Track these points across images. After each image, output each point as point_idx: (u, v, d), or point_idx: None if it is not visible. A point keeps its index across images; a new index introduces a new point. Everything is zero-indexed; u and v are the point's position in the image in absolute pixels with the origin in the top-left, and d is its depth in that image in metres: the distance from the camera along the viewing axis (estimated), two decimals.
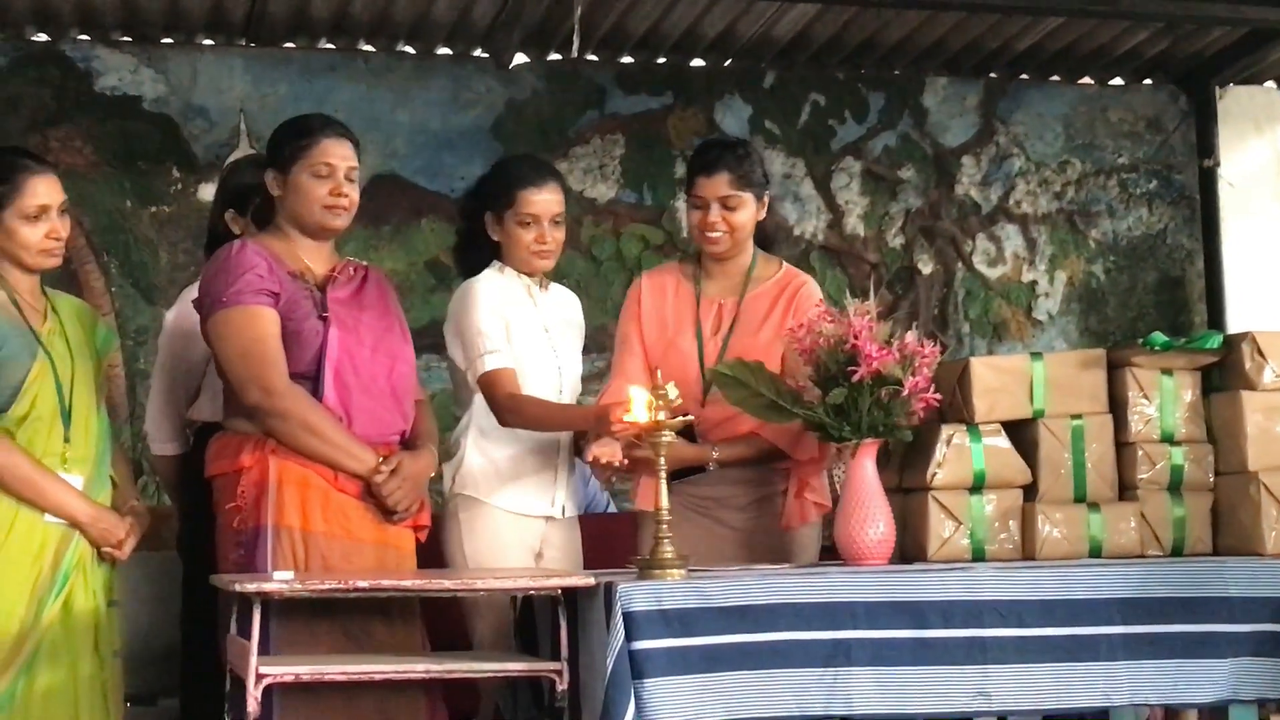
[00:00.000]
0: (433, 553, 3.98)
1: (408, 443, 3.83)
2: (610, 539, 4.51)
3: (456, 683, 3.65)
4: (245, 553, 3.62)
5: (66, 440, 3.72)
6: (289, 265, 3.75)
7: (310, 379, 3.68)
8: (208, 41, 6.42)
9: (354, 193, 3.82)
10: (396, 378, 3.81)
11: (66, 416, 3.72)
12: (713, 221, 4.12)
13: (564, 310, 4.24)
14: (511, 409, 3.98)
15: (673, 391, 3.45)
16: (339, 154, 3.78)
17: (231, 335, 3.66)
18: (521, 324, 4.06)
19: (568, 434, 4.09)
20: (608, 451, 3.78)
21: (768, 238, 4.29)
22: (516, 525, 4.02)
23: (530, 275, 4.15)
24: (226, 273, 3.68)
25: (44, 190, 3.75)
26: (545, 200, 4.10)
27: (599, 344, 5.48)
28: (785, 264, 4.29)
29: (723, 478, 4.07)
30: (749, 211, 4.15)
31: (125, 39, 6.33)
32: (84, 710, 3.68)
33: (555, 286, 4.26)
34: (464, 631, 3.99)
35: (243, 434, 3.70)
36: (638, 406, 3.46)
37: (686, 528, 3.85)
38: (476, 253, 4.17)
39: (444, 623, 3.86)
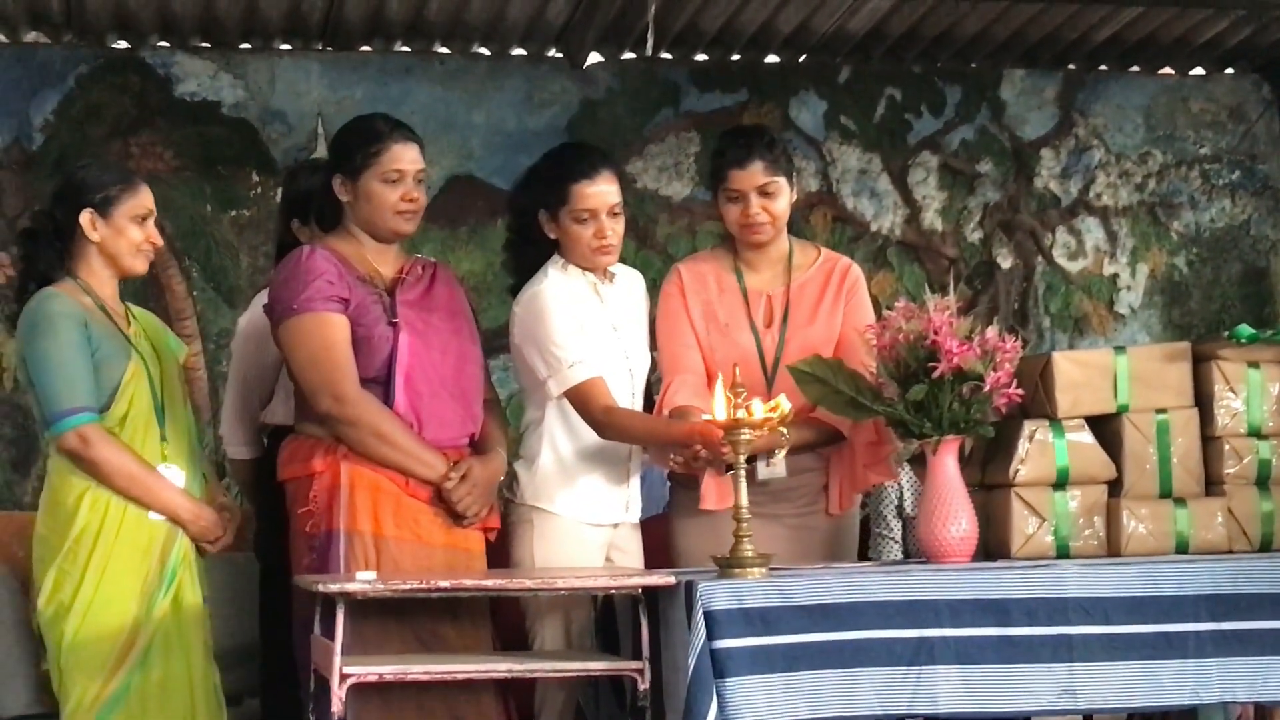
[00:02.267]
0: (500, 553, 3.98)
1: (477, 445, 3.84)
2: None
3: (518, 688, 3.66)
4: (318, 556, 3.65)
5: (163, 438, 3.79)
6: (358, 269, 3.77)
7: (381, 384, 3.70)
8: (285, 46, 6.47)
9: (423, 195, 3.85)
10: (465, 379, 3.83)
11: (161, 414, 3.80)
12: (754, 213, 4.02)
13: (630, 299, 4.12)
14: (608, 423, 3.88)
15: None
16: (409, 158, 3.80)
17: (303, 342, 3.69)
18: (591, 326, 3.96)
19: None
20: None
21: (790, 221, 4.16)
22: (589, 534, 3.97)
23: (594, 271, 4.03)
24: (296, 279, 3.70)
25: (148, 198, 3.88)
26: (600, 192, 3.95)
27: None
28: (822, 248, 4.26)
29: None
30: (786, 197, 4.06)
31: (204, 45, 6.39)
32: (200, 703, 3.77)
33: (619, 271, 4.11)
34: (519, 635, 3.93)
35: (314, 438, 3.73)
36: (719, 407, 3.45)
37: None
38: (531, 252, 4.04)
39: (498, 627, 3.84)
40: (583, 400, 3.89)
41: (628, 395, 4.01)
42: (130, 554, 3.72)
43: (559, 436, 3.97)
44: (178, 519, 3.77)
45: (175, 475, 3.79)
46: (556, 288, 3.96)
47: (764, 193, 4.02)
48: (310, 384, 3.69)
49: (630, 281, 4.16)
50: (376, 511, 3.67)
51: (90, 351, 3.72)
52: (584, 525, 3.96)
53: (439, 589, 3.36)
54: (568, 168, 3.98)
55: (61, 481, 3.73)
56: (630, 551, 4.05)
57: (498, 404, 4.03)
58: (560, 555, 3.92)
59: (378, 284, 3.79)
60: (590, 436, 3.95)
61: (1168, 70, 7.25)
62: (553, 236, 4.02)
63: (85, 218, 3.82)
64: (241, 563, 4.43)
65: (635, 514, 4.06)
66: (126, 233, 3.83)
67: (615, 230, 3.99)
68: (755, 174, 4.01)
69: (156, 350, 3.89)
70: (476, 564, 3.79)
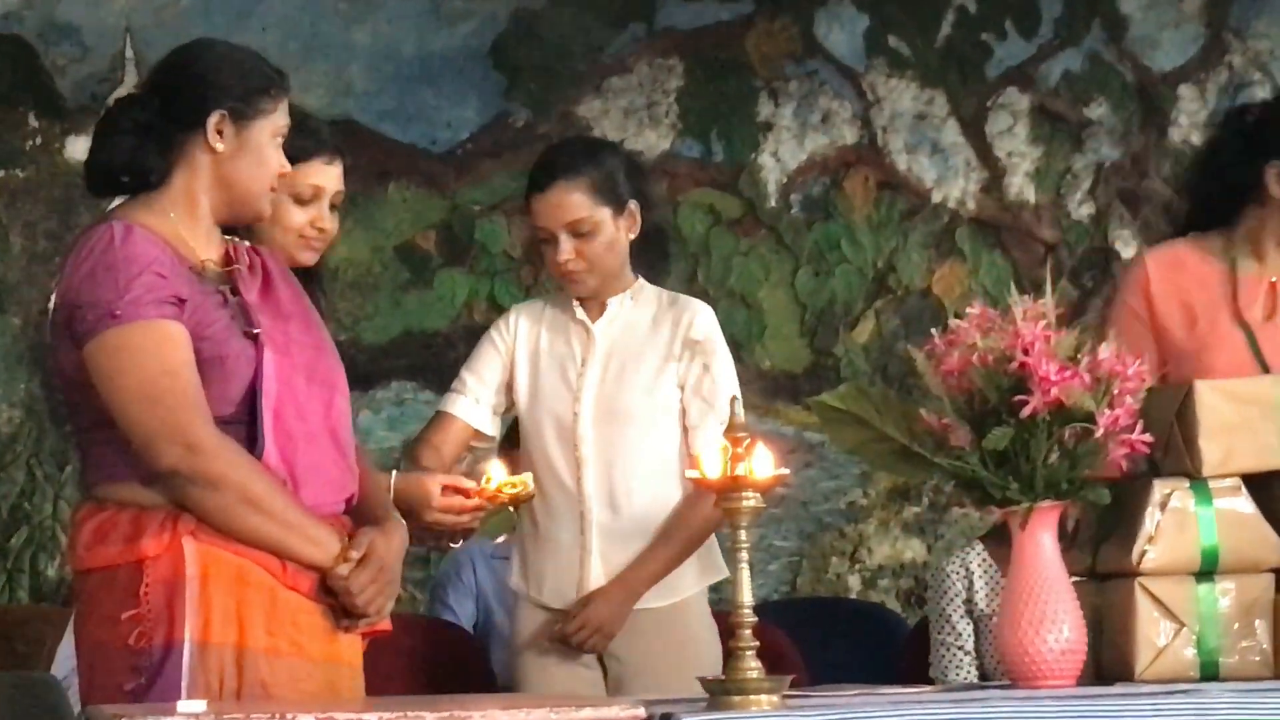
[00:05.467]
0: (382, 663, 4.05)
1: (359, 510, 3.84)
2: None
3: None
4: (146, 681, 3.62)
5: None
6: (185, 257, 3.75)
7: (240, 425, 3.69)
8: None
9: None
10: (336, 416, 3.81)
11: None
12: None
13: (635, 332, 4.54)
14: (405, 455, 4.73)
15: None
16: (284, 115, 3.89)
17: (132, 365, 3.64)
18: (547, 356, 4.55)
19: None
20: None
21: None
22: (545, 619, 4.52)
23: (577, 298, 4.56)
24: (113, 271, 3.65)
25: None
26: (550, 207, 4.48)
27: None
28: None
29: None
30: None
31: None
32: None
33: (645, 300, 4.57)
34: None
35: (137, 507, 3.69)
36: (709, 462, 3.47)
37: None
38: None
39: None
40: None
41: (564, 428, 4.50)
42: None
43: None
44: None
45: None
46: (507, 317, 4.65)
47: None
48: (146, 427, 3.64)
49: (646, 315, 4.56)
50: (241, 613, 3.65)
51: None
52: (535, 608, 4.55)
53: None
54: (530, 177, 4.59)
55: None
56: (634, 653, 4.49)
57: (366, 453, 4.05)
58: (527, 649, 4.56)
59: (213, 278, 3.78)
60: (539, 505, 4.48)
61: None
62: None
63: None
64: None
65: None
66: None
67: (580, 251, 4.46)
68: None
69: None
70: (355, 684, 3.80)
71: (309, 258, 4.28)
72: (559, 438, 4.46)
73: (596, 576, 4.43)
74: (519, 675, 4.56)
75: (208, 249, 3.81)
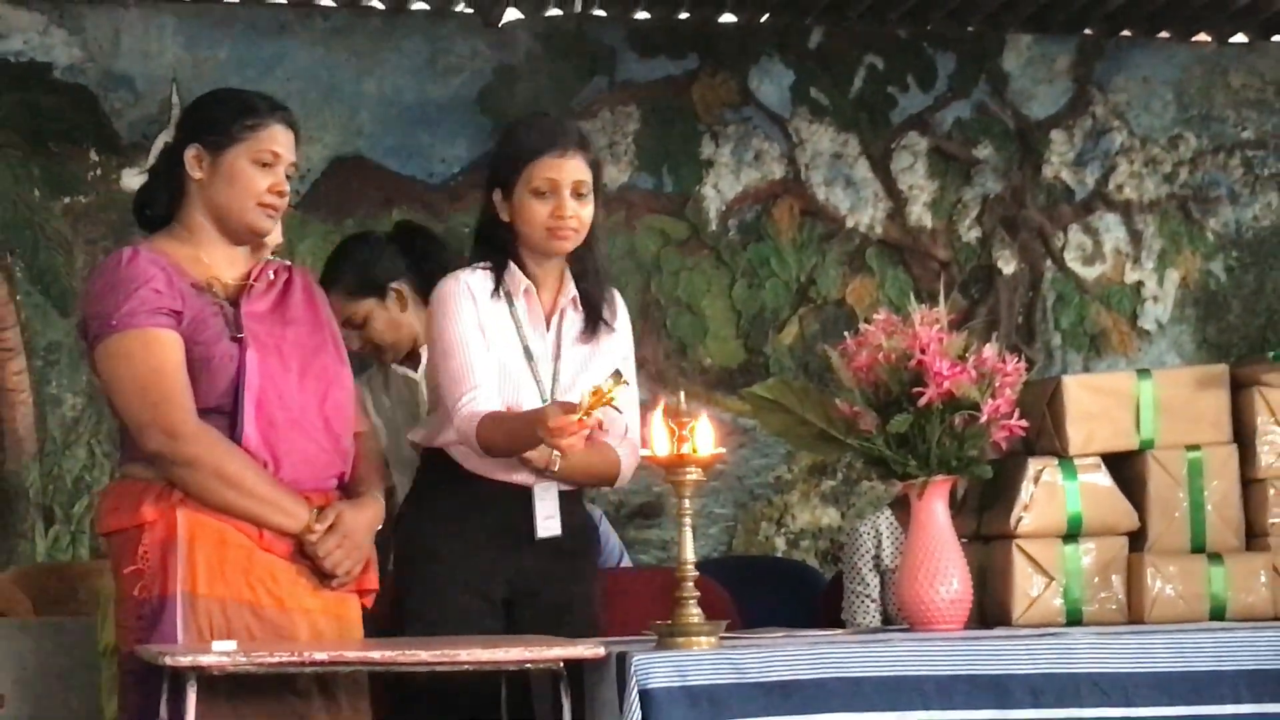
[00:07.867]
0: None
1: (347, 488, 3.83)
2: (624, 597, 4.52)
3: None
4: (147, 626, 3.61)
5: None
6: (192, 275, 3.75)
7: (225, 415, 3.68)
8: None
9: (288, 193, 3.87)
10: (331, 407, 3.81)
11: None
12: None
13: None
14: None
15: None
16: (285, 143, 3.83)
17: (125, 366, 3.67)
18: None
19: None
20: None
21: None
22: None
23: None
24: (115, 288, 3.68)
25: None
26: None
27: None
28: None
29: None
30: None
31: None
32: None
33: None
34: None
35: (143, 482, 3.70)
36: (658, 441, 3.47)
37: None
38: None
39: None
40: None
41: None
42: None
43: None
44: None
45: None
46: None
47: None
48: (137, 417, 3.67)
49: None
50: (224, 570, 3.65)
51: None
52: None
53: (315, 662, 3.33)
54: None
55: None
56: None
57: (371, 438, 4.03)
58: None
59: (217, 292, 3.77)
60: None
61: (1204, 37, 7.31)
62: None
63: None
64: (76, 630, 4.42)
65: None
66: None
67: (368, 339, 4.69)
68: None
69: None
70: (352, 634, 3.77)
71: (564, 247, 4.06)
72: None
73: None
74: None
75: (229, 267, 3.82)
